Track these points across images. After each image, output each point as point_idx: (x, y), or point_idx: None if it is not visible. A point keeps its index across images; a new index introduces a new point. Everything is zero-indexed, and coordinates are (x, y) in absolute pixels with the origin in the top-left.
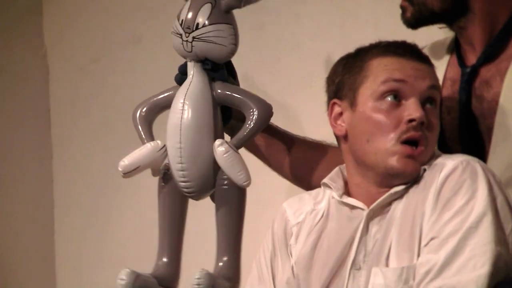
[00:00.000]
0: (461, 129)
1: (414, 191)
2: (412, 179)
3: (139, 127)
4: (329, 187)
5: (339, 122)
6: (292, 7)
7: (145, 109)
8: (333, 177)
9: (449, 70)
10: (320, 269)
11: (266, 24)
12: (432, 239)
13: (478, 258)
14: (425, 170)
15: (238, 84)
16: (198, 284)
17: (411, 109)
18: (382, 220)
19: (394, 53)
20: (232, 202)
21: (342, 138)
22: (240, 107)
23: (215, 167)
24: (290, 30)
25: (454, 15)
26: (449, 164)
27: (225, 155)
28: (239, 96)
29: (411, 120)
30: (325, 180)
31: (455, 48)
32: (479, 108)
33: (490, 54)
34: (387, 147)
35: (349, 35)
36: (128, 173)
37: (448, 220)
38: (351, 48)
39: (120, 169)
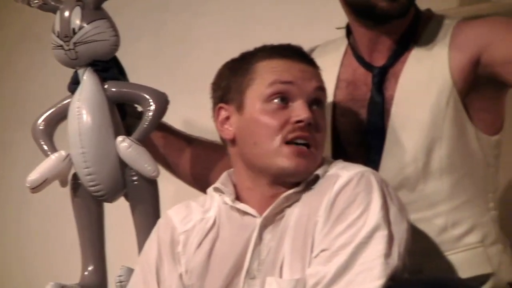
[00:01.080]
0: (368, 130)
1: (307, 200)
2: (304, 179)
3: (40, 141)
4: (221, 192)
5: (226, 126)
6: (193, 6)
7: (42, 122)
8: (224, 182)
9: (343, 71)
10: (215, 278)
11: (167, 22)
12: (322, 250)
13: (368, 273)
14: (318, 177)
15: (127, 81)
16: (120, 282)
17: (299, 110)
18: (275, 228)
19: (280, 55)
20: (145, 196)
21: (230, 142)
22: (136, 101)
23: (122, 165)
24: (190, 28)
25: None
26: (344, 175)
27: (128, 150)
28: (133, 90)
29: (298, 121)
30: (216, 184)
31: (352, 49)
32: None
33: (398, 56)
34: (274, 148)
35: (249, 34)
36: (37, 188)
37: (340, 232)
38: (251, 47)
39: (28, 184)
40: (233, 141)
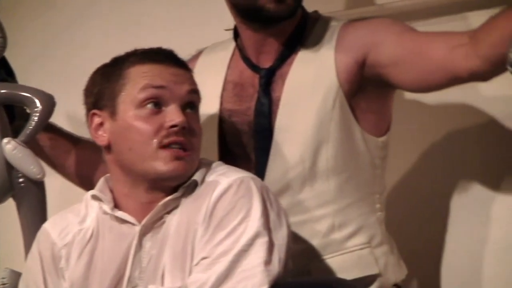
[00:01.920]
0: (255, 132)
1: (186, 206)
2: (181, 183)
3: None
4: (99, 199)
5: (100, 132)
6: (82, 6)
7: None
8: (101, 189)
9: (230, 73)
10: None
11: (56, 22)
12: (203, 258)
13: (249, 281)
14: (196, 183)
15: (16, 82)
16: (3, 284)
17: (172, 114)
18: (155, 235)
19: (151, 59)
20: (32, 197)
21: (105, 148)
22: (23, 103)
23: (9, 167)
24: (79, 29)
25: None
26: (223, 182)
27: (14, 152)
28: (19, 92)
29: (172, 126)
30: (94, 192)
31: (240, 51)
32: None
33: (286, 57)
34: (150, 153)
35: (139, 35)
36: None
37: (221, 240)
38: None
39: None
40: (108, 148)
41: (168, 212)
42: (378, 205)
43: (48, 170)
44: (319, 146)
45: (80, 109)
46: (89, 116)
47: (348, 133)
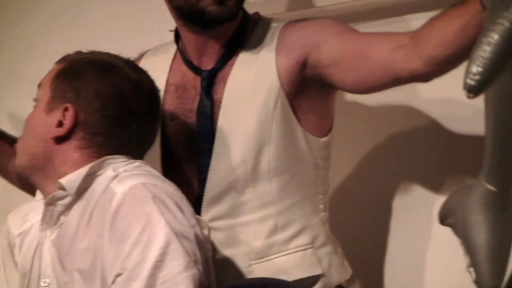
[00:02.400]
0: (198, 133)
1: (84, 211)
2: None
3: None
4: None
5: None
6: (24, 5)
7: None
8: None
9: (172, 75)
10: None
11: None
12: (118, 275)
13: None
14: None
15: None
16: None
17: None
18: (59, 239)
19: None
20: None
21: None
22: None
23: None
24: (23, 29)
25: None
26: (119, 191)
27: None
28: None
29: None
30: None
31: (181, 53)
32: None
33: (227, 59)
34: None
35: (80, 37)
36: None
37: (128, 253)
38: (83, 48)
39: None
40: None
41: (63, 213)
42: (321, 206)
43: None
44: (261, 147)
45: (22, 112)
46: None
47: (290, 134)
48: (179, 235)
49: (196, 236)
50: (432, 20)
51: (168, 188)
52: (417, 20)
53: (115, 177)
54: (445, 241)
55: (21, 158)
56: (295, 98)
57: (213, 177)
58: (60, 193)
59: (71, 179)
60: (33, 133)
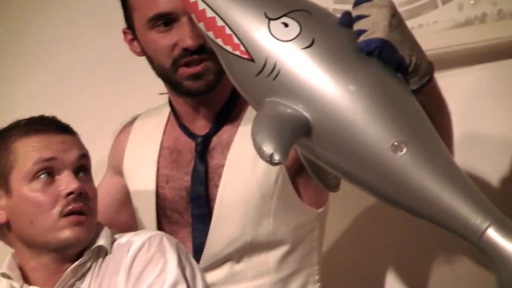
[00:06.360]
0: (192, 198)
1: (101, 270)
2: (84, 248)
3: None
4: (9, 277)
5: None
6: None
7: None
8: (10, 266)
9: (166, 139)
10: None
11: None
12: None
13: None
14: (104, 249)
15: None
16: None
17: (67, 182)
18: None
19: (36, 131)
20: None
21: (5, 227)
22: None
23: None
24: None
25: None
26: (137, 240)
27: None
28: None
29: (69, 193)
30: (3, 270)
31: (175, 116)
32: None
33: (221, 124)
34: (52, 223)
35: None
36: None
37: None
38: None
39: None
40: (7, 225)
41: (79, 279)
42: (317, 277)
43: None
44: (261, 221)
45: None
46: None
47: (290, 208)
48: (188, 281)
49: (205, 286)
50: None
51: (178, 242)
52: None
53: (123, 234)
54: None
55: (93, 229)
56: (295, 174)
57: (210, 249)
58: (84, 258)
59: (107, 241)
60: None
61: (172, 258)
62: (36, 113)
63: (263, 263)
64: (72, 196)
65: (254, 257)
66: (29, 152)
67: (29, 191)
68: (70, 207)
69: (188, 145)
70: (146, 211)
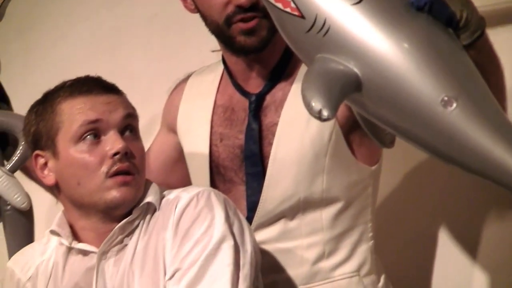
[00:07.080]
0: (246, 156)
1: (149, 226)
2: (132, 207)
3: None
4: (58, 234)
5: (46, 172)
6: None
7: None
8: (60, 224)
9: (219, 97)
10: None
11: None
12: (176, 271)
13: (218, 282)
14: (153, 206)
15: (11, 109)
16: None
17: (112, 142)
18: (118, 261)
19: (81, 92)
20: (18, 226)
21: (55, 187)
22: (13, 131)
23: None
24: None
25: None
26: (184, 196)
27: None
28: (9, 120)
29: (115, 154)
30: (53, 227)
31: (228, 74)
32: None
33: (275, 82)
34: (99, 184)
35: (125, 59)
36: None
37: (189, 250)
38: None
39: None
40: (57, 186)
41: (128, 236)
42: (370, 234)
43: (37, 187)
44: (315, 178)
45: None
46: (33, 157)
47: (343, 165)
48: (235, 236)
49: (251, 242)
50: None
51: (226, 197)
52: None
53: (171, 190)
54: (492, 263)
55: (141, 189)
56: (349, 132)
57: (264, 206)
58: (132, 216)
59: (156, 198)
60: None
61: (219, 214)
62: (88, 71)
63: (316, 221)
64: (117, 156)
65: (307, 214)
66: (74, 114)
67: (76, 153)
68: (116, 167)
69: (242, 103)
70: (200, 169)
